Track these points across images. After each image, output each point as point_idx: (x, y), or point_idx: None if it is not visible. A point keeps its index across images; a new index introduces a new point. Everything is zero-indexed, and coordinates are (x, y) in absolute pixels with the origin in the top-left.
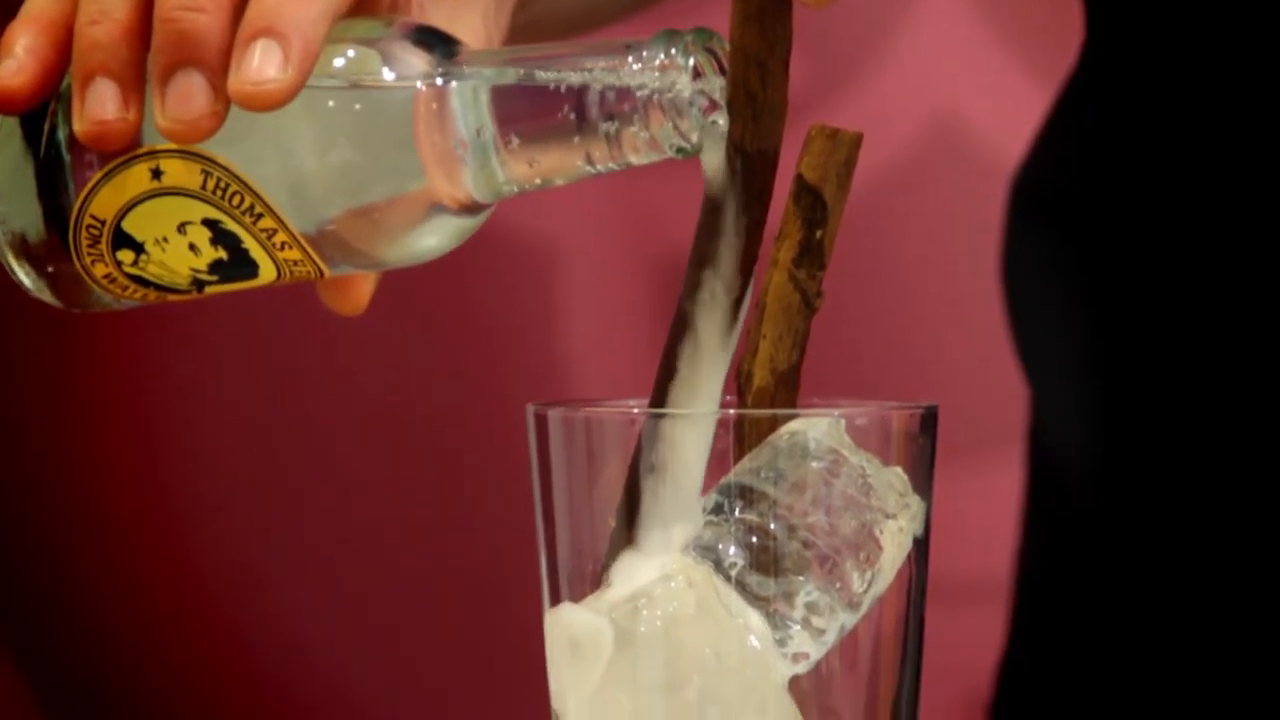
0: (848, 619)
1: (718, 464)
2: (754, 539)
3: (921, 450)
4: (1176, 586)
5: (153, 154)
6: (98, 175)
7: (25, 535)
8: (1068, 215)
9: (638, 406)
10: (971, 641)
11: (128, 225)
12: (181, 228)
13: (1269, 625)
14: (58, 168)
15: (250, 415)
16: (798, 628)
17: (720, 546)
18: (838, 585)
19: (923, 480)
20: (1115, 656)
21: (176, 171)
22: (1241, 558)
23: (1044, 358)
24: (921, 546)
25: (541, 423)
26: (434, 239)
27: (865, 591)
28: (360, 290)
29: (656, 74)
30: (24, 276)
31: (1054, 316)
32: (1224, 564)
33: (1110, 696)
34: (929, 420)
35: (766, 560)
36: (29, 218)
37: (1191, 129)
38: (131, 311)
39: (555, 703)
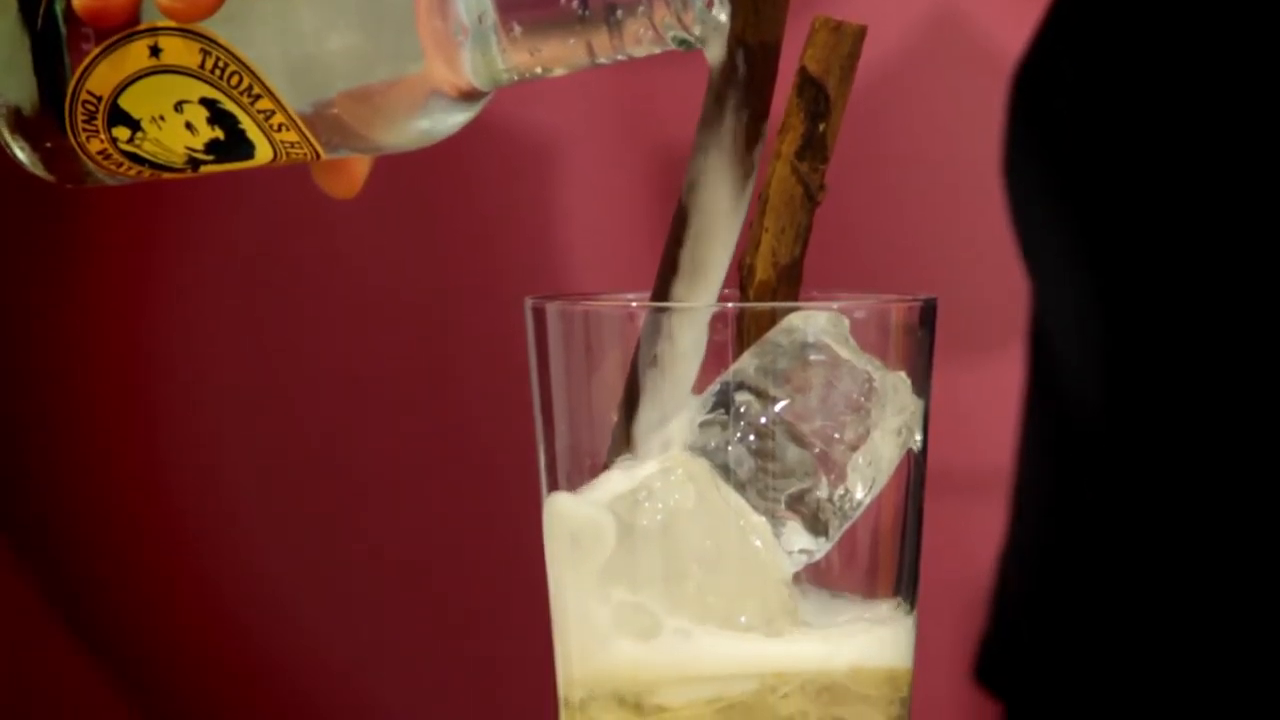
0: (846, 517)
1: (716, 358)
2: (752, 437)
3: (921, 344)
4: (1177, 477)
5: (152, 31)
6: (95, 51)
7: (24, 520)
8: (1068, 110)
9: (636, 300)
10: (971, 534)
11: (124, 102)
12: (178, 106)
13: (1265, 518)
14: (54, 42)
15: (243, 303)
16: (797, 525)
17: (719, 445)
18: (836, 484)
19: (922, 373)
20: (1115, 546)
21: (175, 50)
22: (1242, 450)
23: (1044, 252)
24: (921, 441)
25: (540, 316)
26: (431, 125)
27: (863, 490)
28: (355, 173)
29: None
30: (18, 151)
31: (1054, 211)
32: (1226, 456)
33: (1110, 585)
34: (928, 313)
35: (765, 459)
36: (24, 92)
37: (1192, 25)
38: (125, 235)
39: (554, 596)
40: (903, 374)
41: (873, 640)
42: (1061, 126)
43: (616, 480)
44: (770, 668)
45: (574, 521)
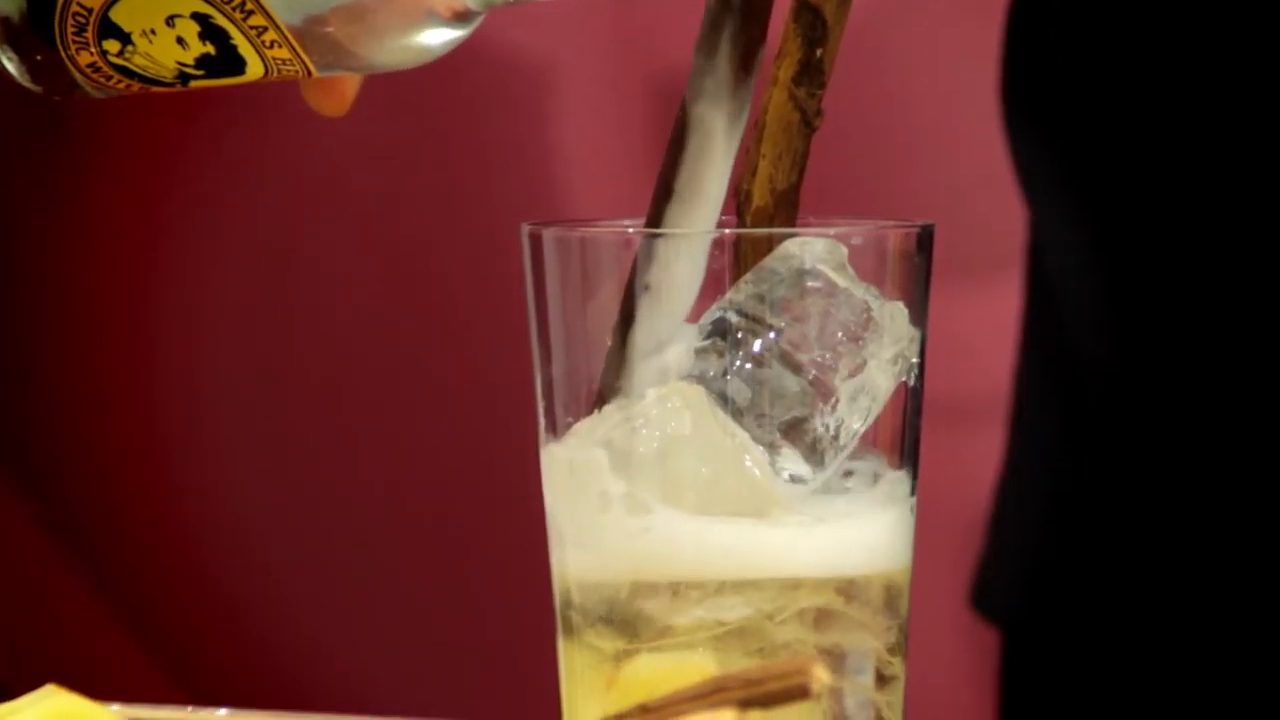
0: (842, 446)
1: (713, 285)
2: (748, 365)
3: (918, 270)
4: (1175, 401)
5: None
6: None
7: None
8: (1067, 33)
9: (633, 226)
10: (969, 462)
11: (115, 15)
12: (170, 20)
13: (1264, 442)
14: None
15: (239, 227)
16: (793, 454)
17: (715, 373)
18: (832, 412)
19: (919, 300)
20: (1112, 471)
21: None
22: (1242, 370)
23: (1040, 177)
24: (918, 369)
25: (536, 242)
26: (424, 44)
27: (860, 419)
28: (345, 91)
29: None
30: (7, 62)
31: (1049, 137)
32: (1226, 377)
33: (1107, 511)
34: (925, 239)
35: (761, 387)
36: (14, 3)
37: None
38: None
39: (552, 523)
40: (900, 303)
41: (871, 542)
42: (1060, 49)
43: (612, 409)
44: (768, 568)
45: (571, 453)
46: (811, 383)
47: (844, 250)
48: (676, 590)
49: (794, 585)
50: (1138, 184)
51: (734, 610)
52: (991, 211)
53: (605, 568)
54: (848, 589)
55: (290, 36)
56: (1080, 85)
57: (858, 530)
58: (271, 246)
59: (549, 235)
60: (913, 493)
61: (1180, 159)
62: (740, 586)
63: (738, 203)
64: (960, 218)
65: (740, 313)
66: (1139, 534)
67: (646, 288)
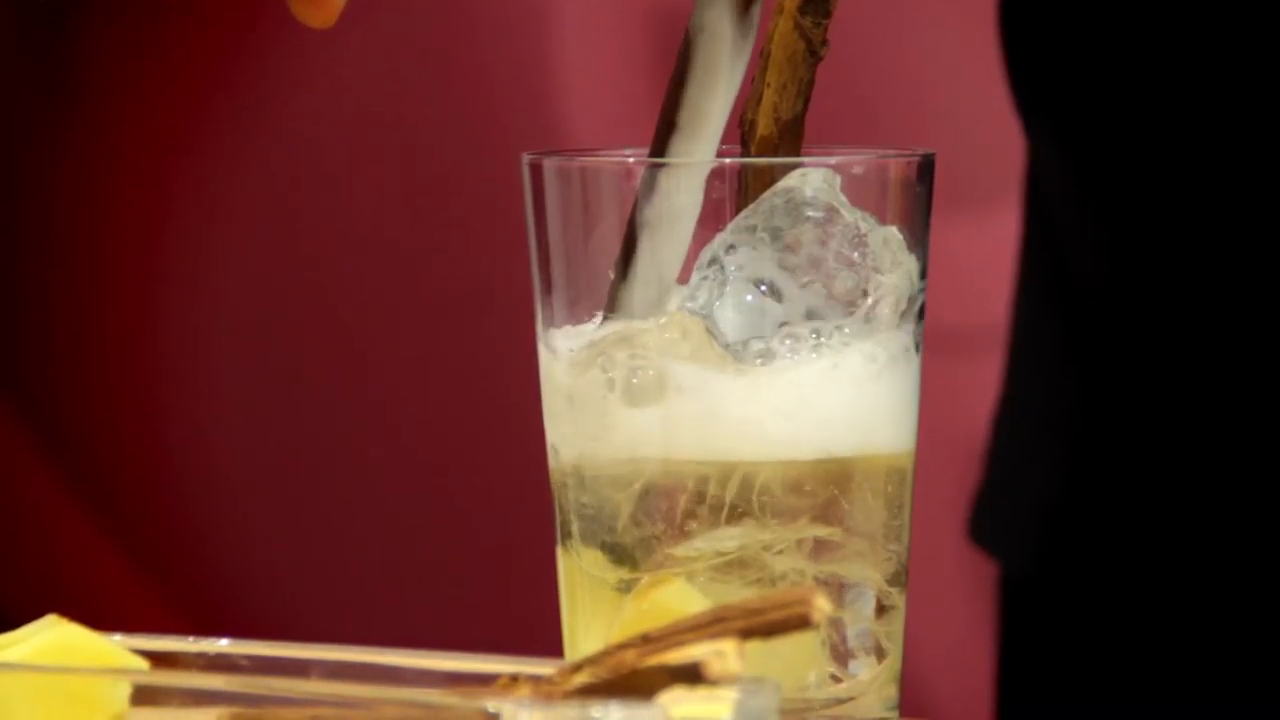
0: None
1: (716, 215)
2: (748, 297)
3: (919, 198)
4: (1175, 332)
5: None
6: None
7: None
8: None
9: (634, 156)
10: (968, 389)
11: None
12: None
13: (1262, 372)
14: None
15: (243, 153)
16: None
17: (713, 303)
18: (832, 339)
19: (919, 229)
20: (1112, 402)
21: None
22: (1242, 297)
23: (1039, 114)
24: (917, 299)
25: (537, 172)
26: None
27: (859, 343)
28: (331, 3)
29: None
30: None
31: (1048, 66)
32: (1228, 310)
33: (1107, 441)
34: (926, 168)
35: (761, 317)
36: None
37: None
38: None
39: (553, 451)
40: (894, 228)
41: (868, 412)
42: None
43: (612, 337)
44: (770, 437)
45: (571, 378)
46: (809, 311)
47: (838, 179)
48: (673, 519)
49: (794, 465)
50: (1134, 115)
51: (732, 540)
52: (991, 140)
53: (604, 480)
54: (848, 467)
55: None
56: (1074, 21)
57: (852, 401)
58: (269, 170)
59: (549, 165)
60: (915, 378)
61: (1179, 95)
62: (741, 510)
63: (742, 132)
64: (961, 147)
65: (739, 244)
66: (1138, 464)
67: (649, 219)
